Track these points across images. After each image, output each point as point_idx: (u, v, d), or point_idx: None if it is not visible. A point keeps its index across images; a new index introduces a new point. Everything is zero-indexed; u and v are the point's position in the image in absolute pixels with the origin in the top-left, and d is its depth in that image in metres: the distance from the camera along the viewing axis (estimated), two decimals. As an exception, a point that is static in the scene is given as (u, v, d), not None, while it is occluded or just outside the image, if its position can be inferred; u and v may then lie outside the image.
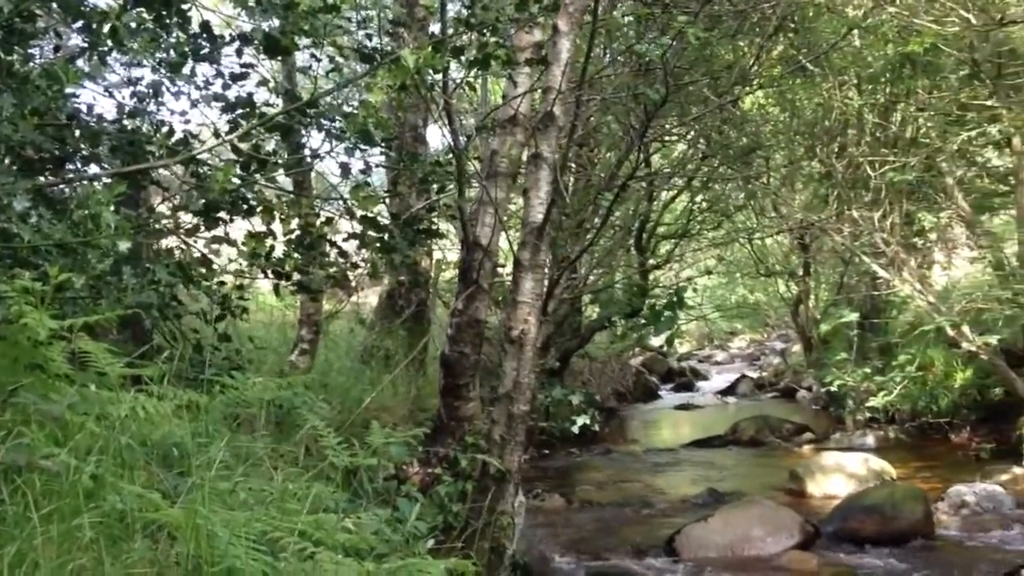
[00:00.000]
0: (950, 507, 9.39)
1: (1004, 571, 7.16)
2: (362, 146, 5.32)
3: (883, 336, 15.30)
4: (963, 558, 7.86)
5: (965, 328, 11.75)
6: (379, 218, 5.76)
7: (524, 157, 6.15)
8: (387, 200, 7.56)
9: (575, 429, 7.57)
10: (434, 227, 6.72)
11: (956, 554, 8.02)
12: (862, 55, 12.71)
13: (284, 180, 7.06)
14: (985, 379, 13.35)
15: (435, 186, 6.68)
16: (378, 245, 5.67)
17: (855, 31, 11.53)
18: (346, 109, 5.65)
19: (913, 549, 8.12)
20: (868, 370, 13.74)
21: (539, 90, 5.60)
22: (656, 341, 16.46)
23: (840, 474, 10.55)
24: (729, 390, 21.72)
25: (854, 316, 14.34)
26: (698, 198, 14.99)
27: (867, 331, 15.59)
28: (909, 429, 14.05)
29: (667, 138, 13.43)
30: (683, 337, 30.29)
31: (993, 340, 11.43)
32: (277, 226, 5.58)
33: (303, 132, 5.59)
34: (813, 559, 7.92)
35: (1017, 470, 10.86)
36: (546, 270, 5.15)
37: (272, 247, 5.62)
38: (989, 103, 11.53)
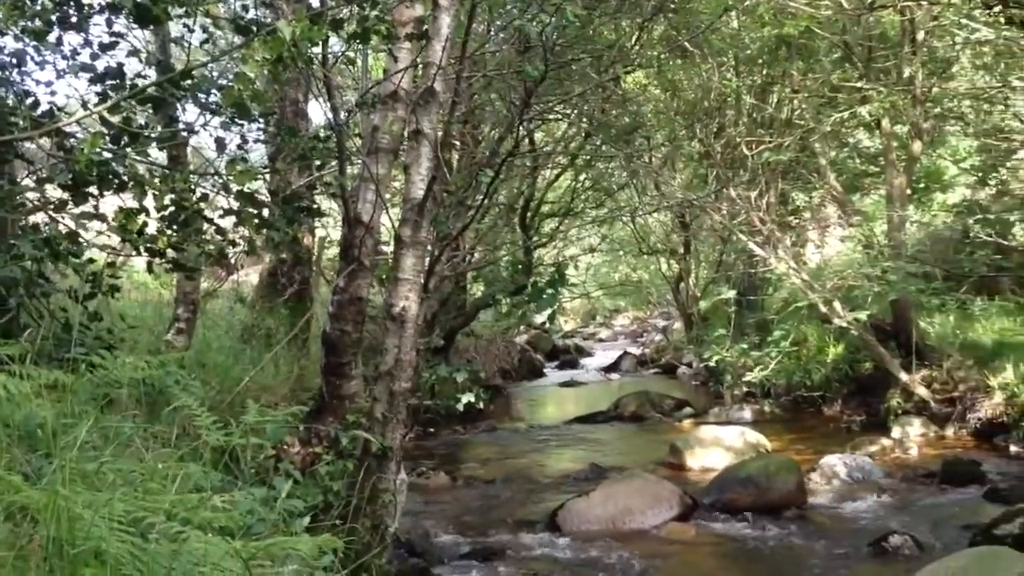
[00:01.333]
0: (822, 477, 9.71)
1: (872, 538, 7.42)
2: (238, 120, 5.20)
3: (760, 313, 15.71)
4: (834, 526, 8.13)
5: (836, 304, 12.14)
6: (257, 194, 5.64)
7: (406, 133, 6.10)
8: (266, 176, 7.42)
9: (460, 407, 7.53)
10: (314, 205, 6.61)
11: (827, 523, 8.29)
12: (740, 37, 12.96)
13: (158, 154, 6.84)
14: (856, 354, 13.84)
15: (316, 162, 6.58)
16: (256, 222, 5.55)
17: (732, 13, 11.76)
18: (222, 82, 5.50)
19: (787, 519, 8.37)
20: (745, 346, 14.08)
21: (420, 65, 5.55)
22: (540, 318, 16.59)
23: (718, 447, 10.81)
24: (612, 367, 22.03)
25: (732, 293, 14.71)
26: (581, 177, 15.11)
27: (744, 308, 15.97)
28: (784, 403, 14.49)
29: (550, 116, 13.50)
30: (567, 315, 30.62)
31: (863, 316, 11.82)
32: (150, 201, 5.41)
33: (177, 105, 5.43)
34: (691, 530, 8.11)
35: (885, 441, 11.30)
36: (428, 247, 5.11)
37: (145, 223, 5.45)
38: (860, 85, 11.88)
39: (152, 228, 5.51)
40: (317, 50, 5.53)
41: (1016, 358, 11.28)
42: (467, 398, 7.52)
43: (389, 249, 7.31)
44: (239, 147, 5.85)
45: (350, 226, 6.39)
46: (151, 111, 5.43)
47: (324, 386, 6.58)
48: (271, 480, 3.72)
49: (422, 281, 5.07)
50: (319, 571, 2.90)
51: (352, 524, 4.46)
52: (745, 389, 14.65)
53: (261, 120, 5.78)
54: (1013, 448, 10.67)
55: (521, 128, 8.27)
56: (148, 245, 5.42)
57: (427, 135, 4.97)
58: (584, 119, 13.05)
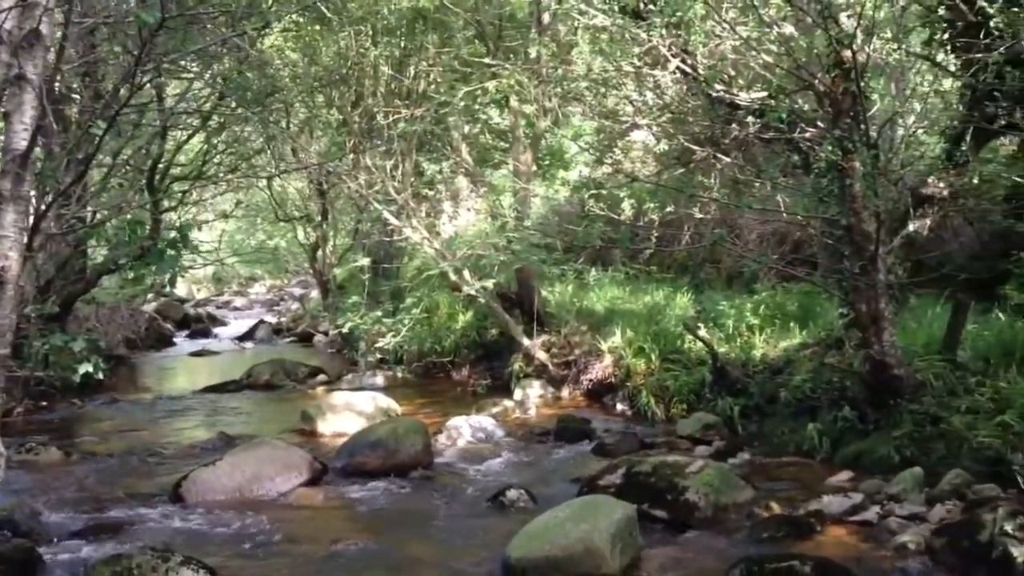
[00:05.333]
0: (448, 439, 10.07)
1: (491, 494, 7.81)
2: None
3: (394, 281, 15.99)
4: (457, 484, 8.47)
5: (466, 273, 12.61)
6: None
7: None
8: None
9: (77, 378, 7.08)
10: None
11: (452, 481, 8.61)
12: (378, 7, 13.06)
13: None
14: (483, 321, 14.50)
15: None
16: None
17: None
18: None
19: (414, 479, 8.61)
20: (379, 313, 14.29)
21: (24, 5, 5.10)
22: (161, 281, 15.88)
23: (350, 412, 10.93)
24: (247, 335, 21.63)
25: (366, 261, 14.83)
26: (214, 139, 14.60)
27: (380, 276, 16.21)
28: (416, 368, 14.90)
29: (182, 75, 12.92)
30: (201, 283, 29.64)
31: (490, 284, 12.37)
32: None
33: None
34: (320, 494, 8.15)
35: (508, 403, 11.91)
36: (32, 202, 4.73)
37: None
38: (489, 62, 12.36)
39: None
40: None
41: (624, 324, 12.27)
42: (85, 368, 7.09)
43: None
44: None
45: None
46: None
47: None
48: None
49: (25, 239, 4.69)
50: None
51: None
52: (379, 356, 14.88)
53: None
54: (619, 407, 11.63)
55: (143, 81, 7.82)
56: None
57: (31, 81, 4.58)
58: (219, 79, 12.59)
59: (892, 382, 8.14)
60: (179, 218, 13.33)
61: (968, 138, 9.18)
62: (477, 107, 15.21)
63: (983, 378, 8.02)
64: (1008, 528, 5.56)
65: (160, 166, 12.73)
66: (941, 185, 9.44)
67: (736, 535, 6.70)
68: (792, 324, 11.14)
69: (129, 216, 11.51)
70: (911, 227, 9.43)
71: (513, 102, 13.11)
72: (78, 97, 11.75)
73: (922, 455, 7.69)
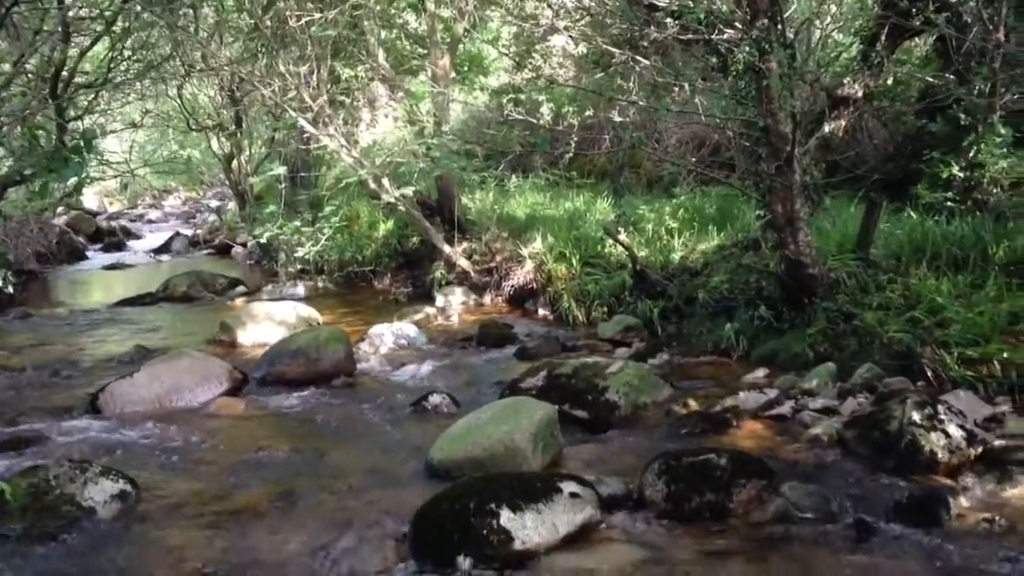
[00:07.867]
0: (370, 346, 10.04)
1: (413, 399, 7.83)
2: None
3: (313, 190, 15.76)
4: (380, 391, 8.45)
5: (385, 181, 12.44)
6: None
7: None
8: None
9: (-15, 293, 6.91)
10: None
11: (374, 388, 8.60)
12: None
13: None
14: (404, 229, 14.43)
15: None
16: None
17: None
18: None
19: (336, 387, 8.57)
20: (298, 223, 14.07)
21: None
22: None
23: (270, 322, 10.81)
24: (163, 248, 21.30)
25: (282, 170, 14.55)
26: (120, 45, 14.07)
27: (298, 185, 15.94)
28: (337, 278, 14.82)
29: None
30: (112, 195, 28.90)
31: (409, 192, 12.24)
32: None
33: None
34: (240, 404, 8.05)
35: (429, 310, 11.92)
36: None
37: None
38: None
39: None
40: None
41: (545, 230, 12.29)
42: (-7, 282, 6.89)
43: None
44: None
45: None
46: None
47: None
48: None
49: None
50: None
51: None
52: (299, 266, 14.73)
53: None
54: (541, 311, 11.71)
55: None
56: None
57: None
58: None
59: (807, 281, 8.29)
60: (84, 127, 12.88)
61: (883, 39, 9.27)
62: (393, 11, 14.87)
63: (894, 275, 8.23)
64: (916, 418, 5.73)
65: (64, 73, 12.24)
66: (856, 86, 9.53)
67: (655, 432, 6.82)
68: (711, 227, 11.25)
69: (32, 125, 11.12)
70: (826, 128, 9.55)
71: (430, 5, 12.84)
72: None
73: (835, 351, 7.90)
